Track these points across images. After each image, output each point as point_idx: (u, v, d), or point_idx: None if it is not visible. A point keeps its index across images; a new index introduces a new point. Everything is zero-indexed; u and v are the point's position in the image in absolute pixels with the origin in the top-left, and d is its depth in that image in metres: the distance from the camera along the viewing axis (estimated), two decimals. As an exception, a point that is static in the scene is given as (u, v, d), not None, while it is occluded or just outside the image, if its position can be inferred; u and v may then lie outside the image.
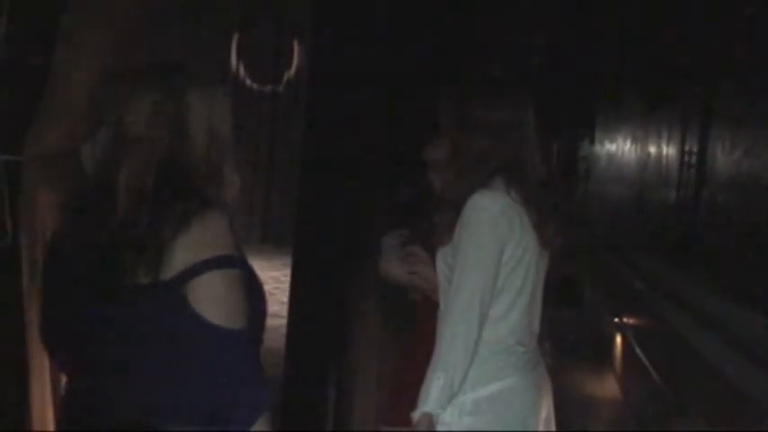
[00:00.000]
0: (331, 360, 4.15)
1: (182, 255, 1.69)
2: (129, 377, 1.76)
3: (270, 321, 1.97)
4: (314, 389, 4.15)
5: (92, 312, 1.77)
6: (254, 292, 1.82)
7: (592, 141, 11.41)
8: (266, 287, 1.97)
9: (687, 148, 5.15)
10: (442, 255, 2.48)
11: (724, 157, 4.53)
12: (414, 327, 3.18)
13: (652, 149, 6.39)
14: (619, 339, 6.45)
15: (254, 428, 1.75)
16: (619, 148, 8.43)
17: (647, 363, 5.12)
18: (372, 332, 4.23)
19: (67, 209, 1.91)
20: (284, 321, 4.03)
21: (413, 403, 2.39)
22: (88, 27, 2.93)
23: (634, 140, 7.34)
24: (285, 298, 4.22)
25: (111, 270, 1.72)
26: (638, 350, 5.46)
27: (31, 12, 2.86)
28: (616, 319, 6.50)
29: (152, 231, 1.69)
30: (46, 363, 2.99)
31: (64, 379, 2.95)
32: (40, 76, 2.91)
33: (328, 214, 4.05)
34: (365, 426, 4.17)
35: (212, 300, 1.71)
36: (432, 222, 2.89)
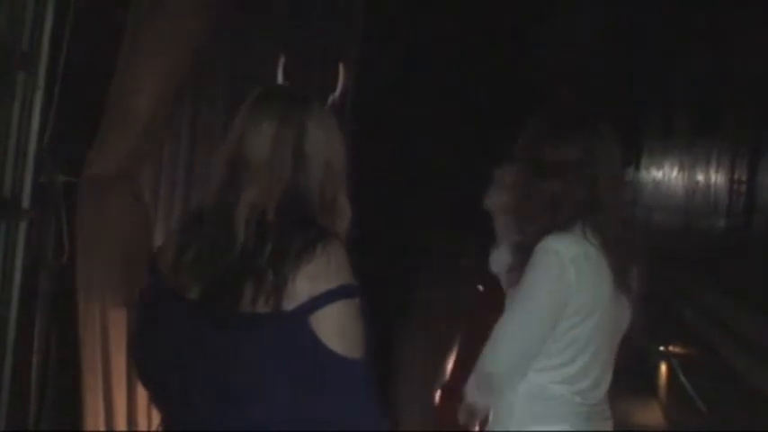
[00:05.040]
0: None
1: (304, 285, 1.69)
2: (245, 410, 1.73)
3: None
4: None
5: (203, 342, 1.75)
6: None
7: (637, 167, 11.31)
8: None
9: (736, 176, 5.11)
10: (511, 297, 2.38)
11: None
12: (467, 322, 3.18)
13: (700, 177, 6.34)
14: (664, 368, 6.38)
15: None
16: (665, 174, 8.36)
17: (692, 392, 5.07)
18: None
19: (176, 235, 1.89)
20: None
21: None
22: (147, 52, 2.98)
23: (681, 168, 7.29)
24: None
25: (229, 300, 1.71)
26: (682, 378, 5.39)
27: (92, 33, 2.91)
28: (662, 348, 6.43)
29: (274, 260, 1.69)
30: (99, 376, 3.04)
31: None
32: (99, 97, 2.96)
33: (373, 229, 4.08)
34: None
35: (337, 330, 1.70)
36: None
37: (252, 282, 1.69)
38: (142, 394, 3.04)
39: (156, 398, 1.96)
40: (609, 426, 2.40)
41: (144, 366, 1.97)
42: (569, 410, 2.32)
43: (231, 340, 1.71)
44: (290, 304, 1.68)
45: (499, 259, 2.58)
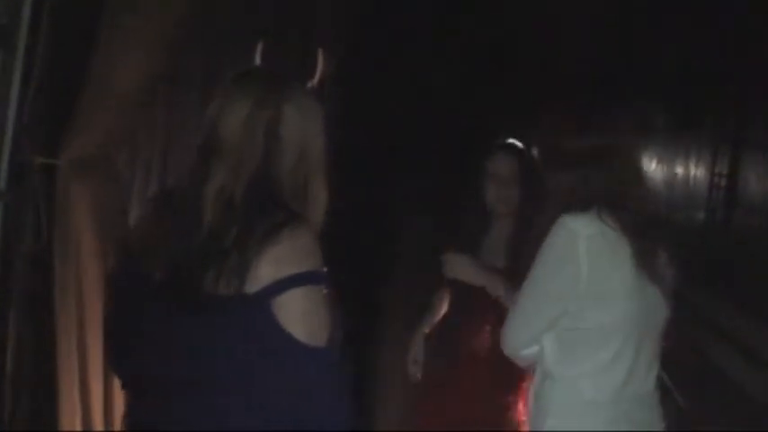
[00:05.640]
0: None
1: (268, 268, 1.66)
2: (205, 393, 1.71)
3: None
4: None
5: (169, 324, 1.72)
6: (333, 311, 1.77)
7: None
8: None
9: (717, 170, 5.11)
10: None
11: (757, 179, 4.48)
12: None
13: (679, 170, 6.34)
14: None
15: None
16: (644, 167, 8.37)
17: (670, 385, 5.05)
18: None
19: (146, 216, 1.88)
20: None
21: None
22: (126, 30, 2.93)
23: (660, 161, 7.29)
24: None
25: (193, 281, 1.68)
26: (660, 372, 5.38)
27: (69, 13, 2.84)
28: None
29: (239, 243, 1.65)
30: (75, 366, 2.98)
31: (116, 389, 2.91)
32: (75, 78, 2.90)
33: (357, 219, 4.03)
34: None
35: (299, 316, 1.67)
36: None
37: (215, 264, 1.66)
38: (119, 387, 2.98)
39: (126, 383, 1.93)
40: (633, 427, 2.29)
41: (114, 351, 1.94)
42: (590, 411, 2.26)
43: (193, 323, 1.69)
44: (253, 287, 1.65)
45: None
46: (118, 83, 2.95)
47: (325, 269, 1.74)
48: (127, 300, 1.84)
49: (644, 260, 2.20)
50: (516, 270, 2.91)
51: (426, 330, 3.48)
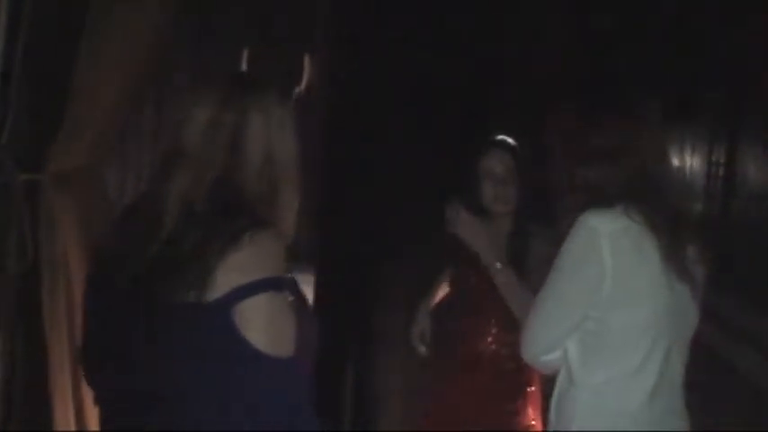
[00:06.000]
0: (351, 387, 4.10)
1: (229, 275, 1.60)
2: (174, 406, 1.66)
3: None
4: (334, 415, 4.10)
5: (135, 336, 1.68)
6: (305, 320, 1.72)
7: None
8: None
9: (714, 159, 5.05)
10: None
11: (756, 168, 4.43)
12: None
13: (674, 161, 6.29)
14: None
15: None
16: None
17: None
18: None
19: (115, 222, 1.84)
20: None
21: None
22: (110, 43, 2.88)
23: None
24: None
25: (155, 288, 1.63)
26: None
27: (53, 26, 2.78)
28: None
29: (199, 249, 1.60)
30: (68, 382, 2.93)
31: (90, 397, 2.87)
32: (59, 91, 2.84)
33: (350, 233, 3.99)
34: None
35: (261, 324, 1.61)
36: None
37: (176, 272, 1.61)
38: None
39: (97, 397, 1.88)
40: None
41: (86, 366, 1.90)
42: (618, 420, 2.14)
43: (155, 332, 1.65)
44: (213, 295, 1.60)
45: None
46: (101, 96, 2.90)
47: (290, 275, 1.70)
48: (96, 312, 1.81)
49: (672, 256, 2.09)
50: (519, 269, 2.85)
51: (431, 305, 3.40)
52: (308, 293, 4.43)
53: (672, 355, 2.17)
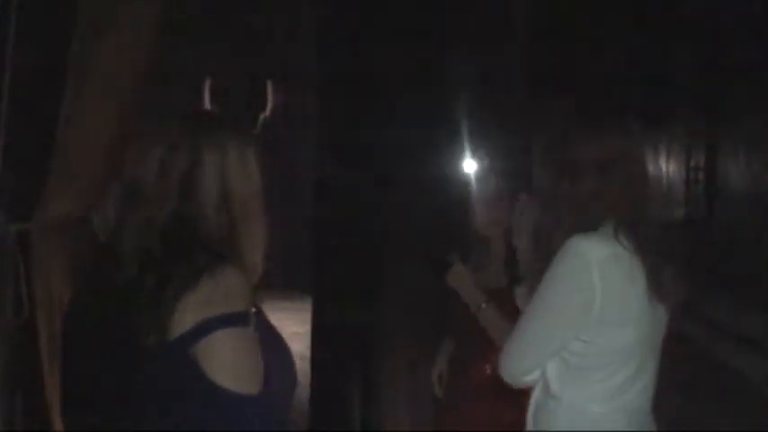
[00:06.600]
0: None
1: (190, 314, 1.57)
2: None
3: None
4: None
5: (104, 379, 1.65)
6: (277, 352, 1.69)
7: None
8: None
9: (693, 163, 5.10)
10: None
11: (737, 171, 4.48)
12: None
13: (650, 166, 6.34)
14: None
15: None
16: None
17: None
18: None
19: (81, 270, 1.82)
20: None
21: None
22: (94, 97, 2.87)
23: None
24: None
25: (112, 334, 1.62)
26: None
27: (37, 79, 2.76)
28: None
29: (156, 291, 1.57)
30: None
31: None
32: (48, 143, 2.81)
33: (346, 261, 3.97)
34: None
35: (223, 361, 1.58)
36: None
37: (135, 314, 1.58)
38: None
39: None
40: None
41: (63, 408, 1.89)
42: (583, 419, 2.13)
43: (123, 376, 1.62)
44: (173, 335, 1.57)
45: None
46: (88, 147, 2.88)
47: (253, 310, 1.65)
48: (70, 355, 1.79)
49: (655, 280, 2.07)
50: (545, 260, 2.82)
51: (451, 349, 3.38)
52: (306, 324, 4.44)
53: (647, 369, 2.17)
